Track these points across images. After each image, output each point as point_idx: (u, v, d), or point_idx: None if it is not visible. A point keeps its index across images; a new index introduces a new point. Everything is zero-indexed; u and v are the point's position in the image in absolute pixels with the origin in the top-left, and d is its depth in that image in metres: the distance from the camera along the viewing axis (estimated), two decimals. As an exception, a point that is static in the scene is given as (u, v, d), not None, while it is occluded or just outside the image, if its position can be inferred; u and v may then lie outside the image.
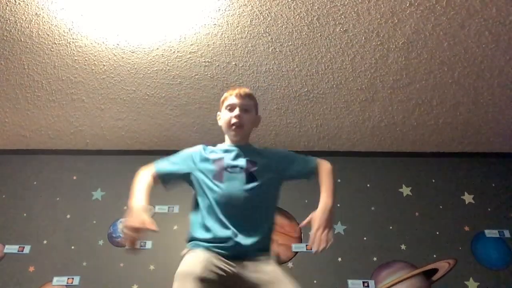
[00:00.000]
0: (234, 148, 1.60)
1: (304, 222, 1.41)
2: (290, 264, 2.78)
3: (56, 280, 2.75)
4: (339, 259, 2.83)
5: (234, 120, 1.59)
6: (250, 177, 1.50)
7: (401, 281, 2.75)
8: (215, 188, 1.47)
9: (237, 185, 1.48)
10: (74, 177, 3.18)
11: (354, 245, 2.88)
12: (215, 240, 1.40)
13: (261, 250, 1.44)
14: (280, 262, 1.42)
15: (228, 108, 1.63)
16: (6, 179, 3.17)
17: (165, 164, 1.60)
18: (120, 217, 3.00)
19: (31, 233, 2.93)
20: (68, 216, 3.00)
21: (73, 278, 2.75)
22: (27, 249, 2.86)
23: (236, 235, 1.40)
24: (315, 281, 2.71)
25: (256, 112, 1.71)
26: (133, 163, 3.19)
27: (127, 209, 1.41)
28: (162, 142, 3.21)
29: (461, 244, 2.87)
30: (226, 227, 1.41)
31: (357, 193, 3.10)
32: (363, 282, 2.74)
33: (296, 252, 2.84)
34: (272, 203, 1.58)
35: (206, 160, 1.57)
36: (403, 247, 2.87)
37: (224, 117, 1.63)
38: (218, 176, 1.50)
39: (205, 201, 1.49)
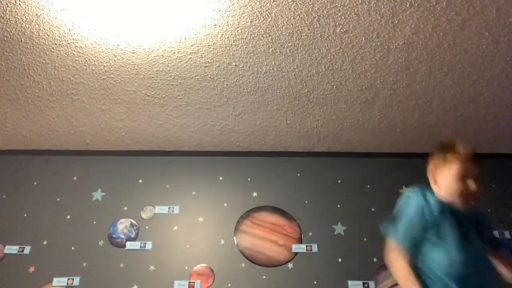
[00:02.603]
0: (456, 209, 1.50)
1: None
2: (290, 265, 2.78)
3: (56, 280, 2.74)
4: (339, 260, 2.82)
5: (475, 190, 1.47)
6: (478, 242, 1.45)
7: (402, 282, 2.75)
8: (458, 252, 1.38)
9: (475, 250, 1.41)
10: (74, 178, 3.19)
11: (354, 246, 2.88)
12: None
13: None
14: None
15: (462, 175, 1.49)
16: (6, 180, 3.17)
17: (409, 243, 1.47)
18: (120, 218, 3.00)
19: (31, 233, 2.93)
20: (68, 217, 3.01)
21: (73, 279, 2.75)
22: (27, 249, 2.86)
23: None
24: (315, 282, 2.70)
25: None
26: (133, 163, 3.26)
27: None
28: (162, 143, 3.21)
29: (461, 245, 2.87)
30: None
31: (357, 194, 3.10)
32: (363, 283, 2.74)
33: (296, 253, 2.84)
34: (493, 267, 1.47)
35: (438, 217, 1.45)
36: (403, 248, 2.86)
37: (455, 185, 1.49)
38: (457, 238, 1.41)
39: (442, 261, 1.39)
